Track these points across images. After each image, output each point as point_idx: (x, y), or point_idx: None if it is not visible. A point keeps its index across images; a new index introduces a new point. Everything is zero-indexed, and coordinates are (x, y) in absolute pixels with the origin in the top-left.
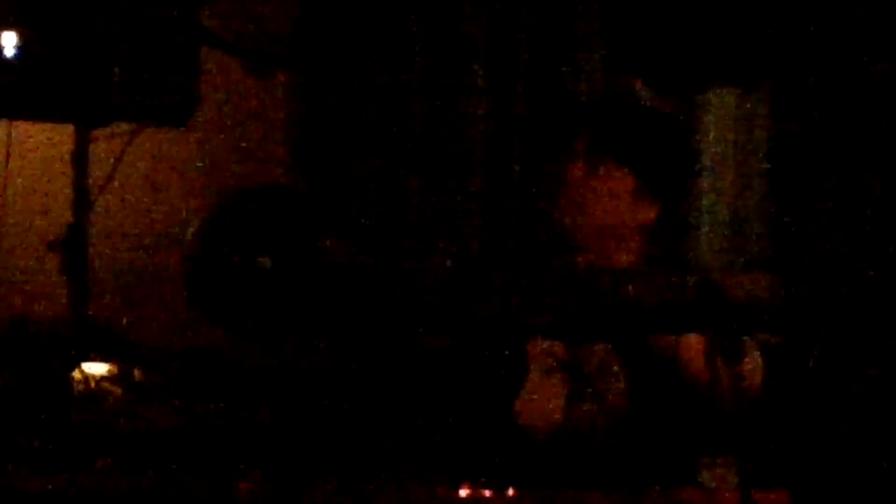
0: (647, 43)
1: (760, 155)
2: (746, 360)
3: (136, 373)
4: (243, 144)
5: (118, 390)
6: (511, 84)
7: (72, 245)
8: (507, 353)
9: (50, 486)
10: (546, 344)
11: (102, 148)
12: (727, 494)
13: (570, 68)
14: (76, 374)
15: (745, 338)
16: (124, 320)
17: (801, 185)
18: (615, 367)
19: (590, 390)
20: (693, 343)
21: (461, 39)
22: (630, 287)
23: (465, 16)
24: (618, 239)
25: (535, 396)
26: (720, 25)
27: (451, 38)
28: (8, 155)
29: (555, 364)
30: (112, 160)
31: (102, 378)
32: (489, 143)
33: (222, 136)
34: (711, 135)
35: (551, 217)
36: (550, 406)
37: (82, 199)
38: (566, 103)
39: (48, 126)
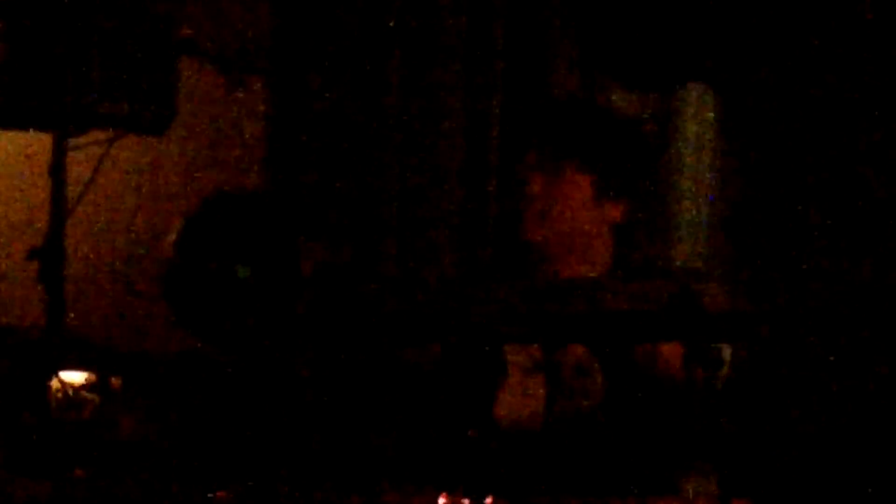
0: (623, 41)
1: (740, 157)
2: (724, 372)
3: (115, 381)
4: (221, 152)
5: (96, 399)
6: (488, 89)
7: (50, 253)
8: (485, 356)
9: (30, 494)
10: (524, 349)
11: (80, 156)
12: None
13: (546, 78)
14: (54, 383)
15: (724, 349)
16: (103, 328)
17: (776, 186)
18: (592, 369)
19: (568, 391)
20: (670, 350)
21: (439, 46)
22: (606, 296)
23: (443, 23)
24: (588, 243)
25: (514, 398)
26: (694, 21)
27: (428, 44)
28: None
29: (533, 366)
30: (90, 168)
31: (80, 386)
32: (467, 146)
33: (200, 143)
34: (690, 137)
35: (519, 234)
36: (530, 407)
37: (60, 208)
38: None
39: (25, 134)
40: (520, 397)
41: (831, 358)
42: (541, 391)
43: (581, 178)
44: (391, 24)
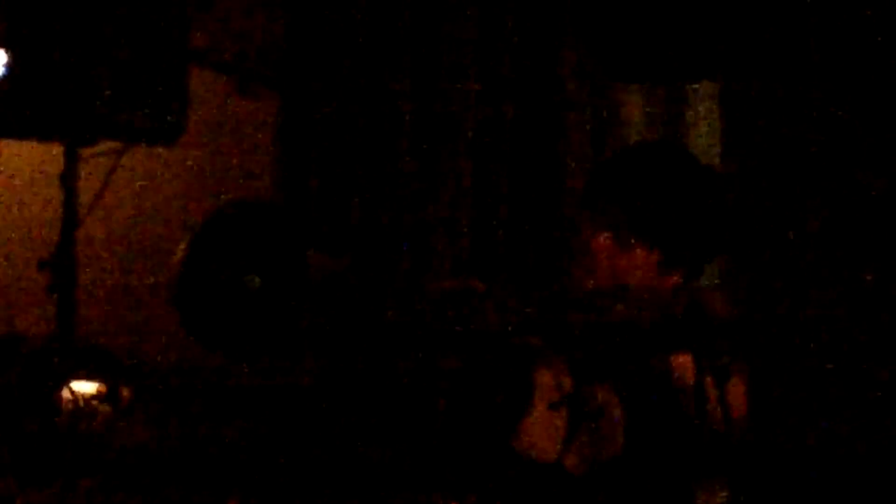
0: (631, 40)
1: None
2: (733, 382)
3: (125, 391)
4: (232, 162)
5: (106, 408)
6: (500, 98)
7: (61, 263)
8: (512, 380)
9: (37, 502)
10: (554, 377)
11: (91, 166)
12: None
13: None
14: (65, 393)
15: (731, 359)
16: (113, 337)
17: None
18: (616, 408)
19: (589, 432)
20: (683, 363)
21: (449, 55)
22: (619, 306)
23: (454, 32)
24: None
25: (537, 427)
26: (701, 18)
27: (439, 53)
28: None
29: (560, 398)
30: (101, 178)
31: (91, 396)
32: (478, 157)
33: (211, 154)
34: (701, 144)
35: (575, 279)
36: (552, 438)
37: (71, 218)
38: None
39: (37, 145)
40: (543, 427)
41: (831, 364)
42: (564, 424)
43: (650, 250)
44: (401, 33)
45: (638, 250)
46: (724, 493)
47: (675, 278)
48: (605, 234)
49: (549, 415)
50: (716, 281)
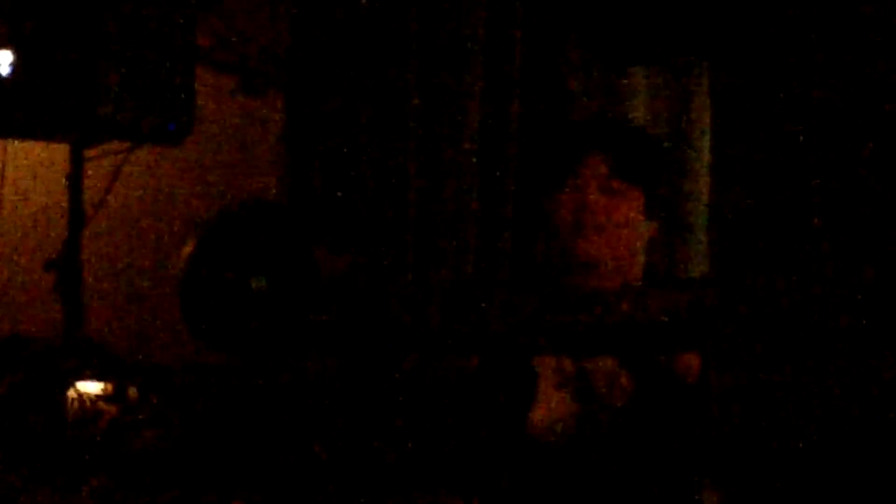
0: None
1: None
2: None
3: (132, 392)
4: (237, 161)
5: (113, 409)
6: (506, 94)
7: (67, 263)
8: (516, 369)
9: (43, 502)
10: (555, 360)
11: (97, 167)
12: None
13: (558, 77)
14: (71, 393)
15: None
16: (120, 338)
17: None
18: (622, 382)
19: (598, 401)
20: (689, 362)
21: (457, 53)
22: (624, 305)
23: (459, 30)
24: (629, 258)
25: (547, 411)
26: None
27: (447, 51)
28: (3, 174)
29: (564, 379)
30: (107, 179)
31: (97, 397)
32: (484, 154)
33: (216, 153)
34: (702, 140)
35: (569, 247)
36: (563, 420)
37: (77, 218)
38: (565, 126)
39: (43, 144)
40: (553, 411)
41: (833, 363)
42: (572, 403)
43: (634, 190)
44: (406, 30)
45: (628, 193)
46: (726, 493)
47: (656, 226)
48: (595, 188)
49: (558, 397)
50: (716, 277)
